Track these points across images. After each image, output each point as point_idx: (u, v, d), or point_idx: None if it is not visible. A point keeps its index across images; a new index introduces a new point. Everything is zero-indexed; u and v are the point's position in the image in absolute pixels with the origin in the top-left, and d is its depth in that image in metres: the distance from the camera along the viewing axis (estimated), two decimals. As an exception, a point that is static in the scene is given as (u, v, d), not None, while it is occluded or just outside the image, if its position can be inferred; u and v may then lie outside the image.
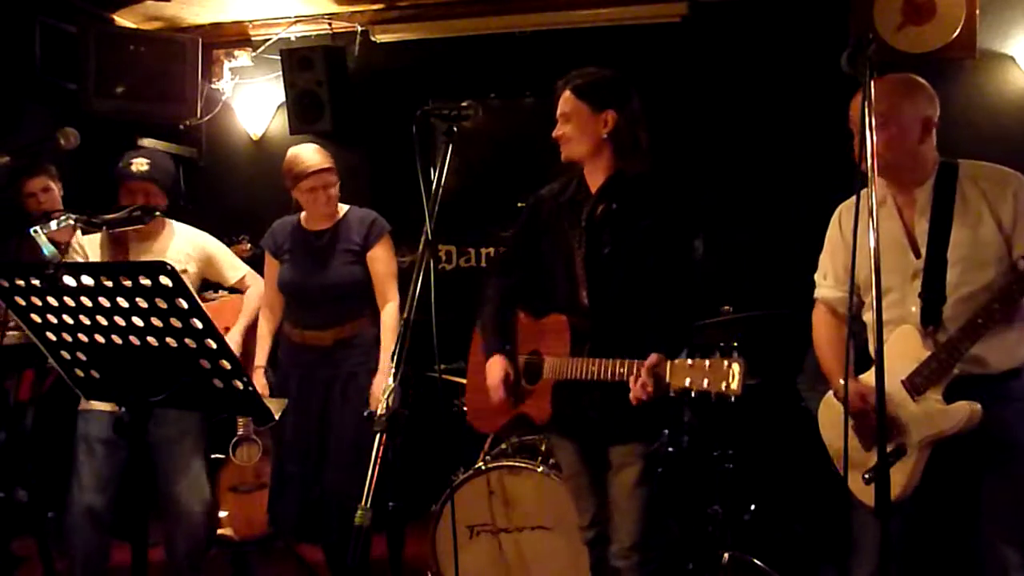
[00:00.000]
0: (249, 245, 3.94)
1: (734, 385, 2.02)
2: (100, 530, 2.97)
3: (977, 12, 3.78)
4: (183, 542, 3.09)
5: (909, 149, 2.15)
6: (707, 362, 2.07)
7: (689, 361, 2.12)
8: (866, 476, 2.10)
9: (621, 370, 2.25)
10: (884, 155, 2.03)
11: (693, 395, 2.09)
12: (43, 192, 3.58)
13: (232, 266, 3.28)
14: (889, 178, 2.21)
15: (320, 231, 3.21)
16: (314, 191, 3.10)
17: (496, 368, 2.55)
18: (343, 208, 3.25)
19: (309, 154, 3.13)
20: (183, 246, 3.13)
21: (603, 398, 2.39)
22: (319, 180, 3.09)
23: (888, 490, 1.72)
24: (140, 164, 3.00)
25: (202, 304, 1.65)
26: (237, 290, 3.33)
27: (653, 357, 2.17)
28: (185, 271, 3.06)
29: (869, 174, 1.74)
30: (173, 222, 3.16)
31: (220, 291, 3.42)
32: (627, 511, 2.43)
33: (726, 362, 2.04)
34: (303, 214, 3.25)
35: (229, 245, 3.74)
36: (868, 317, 2.26)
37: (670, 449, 3.29)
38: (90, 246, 3.06)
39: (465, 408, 2.88)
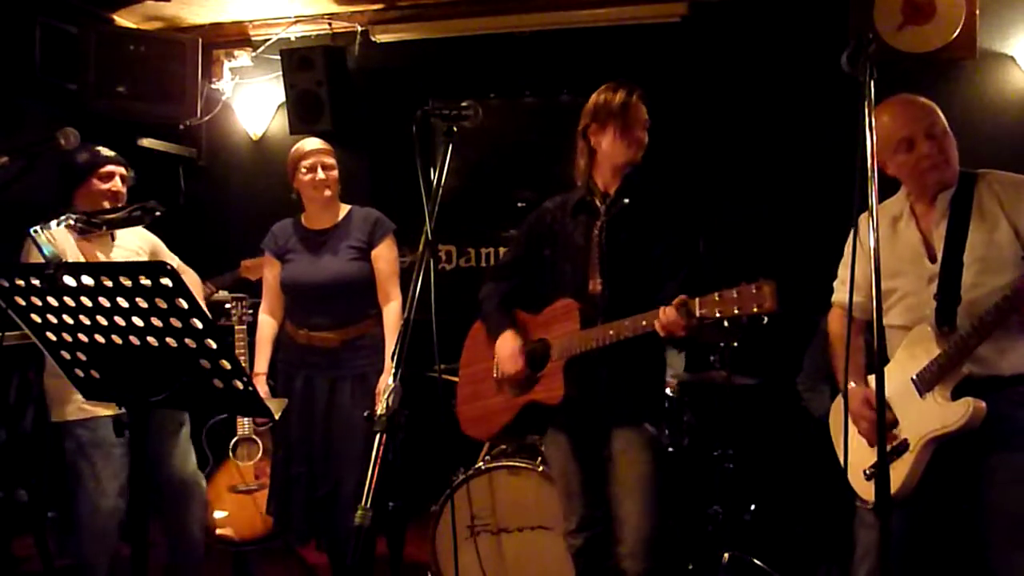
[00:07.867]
0: None
1: (767, 304, 1.97)
2: (120, 532, 2.92)
3: (977, 12, 3.78)
4: (182, 538, 3.09)
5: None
6: (734, 291, 2.03)
7: (716, 295, 2.08)
8: (866, 472, 2.12)
9: (643, 322, 2.22)
10: (954, 165, 2.17)
11: (726, 324, 2.06)
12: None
13: (170, 257, 3.22)
14: (935, 188, 2.21)
15: (323, 229, 3.21)
16: (313, 170, 3.13)
17: (509, 340, 2.56)
18: (345, 207, 3.26)
19: (309, 140, 3.25)
20: (134, 239, 3.11)
21: (610, 376, 2.43)
22: (316, 159, 3.15)
23: (888, 488, 1.72)
24: (104, 149, 2.98)
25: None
26: None
27: (680, 297, 2.14)
28: None
29: (870, 173, 1.74)
30: None
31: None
32: (635, 504, 2.39)
33: (754, 286, 1.99)
34: (304, 214, 3.26)
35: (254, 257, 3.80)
36: (885, 320, 2.27)
37: (670, 449, 3.29)
38: (65, 244, 2.93)
39: (459, 419, 2.83)
